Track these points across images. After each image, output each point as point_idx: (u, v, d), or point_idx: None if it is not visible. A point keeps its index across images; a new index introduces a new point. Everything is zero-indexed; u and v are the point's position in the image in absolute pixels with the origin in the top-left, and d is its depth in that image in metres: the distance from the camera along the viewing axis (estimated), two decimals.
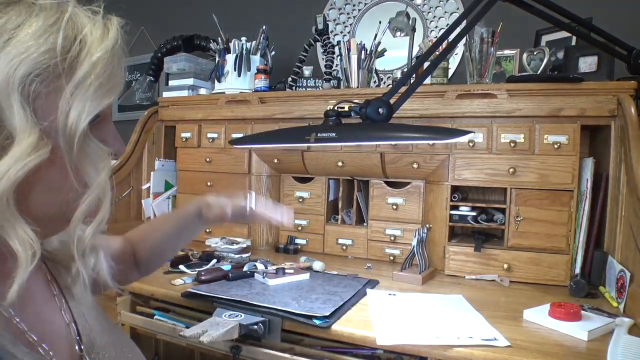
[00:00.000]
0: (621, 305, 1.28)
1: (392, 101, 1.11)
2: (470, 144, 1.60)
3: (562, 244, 1.52)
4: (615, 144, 1.47)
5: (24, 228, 0.50)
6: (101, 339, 0.67)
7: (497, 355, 1.00)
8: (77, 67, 0.51)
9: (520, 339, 1.07)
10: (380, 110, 1.08)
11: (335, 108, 1.18)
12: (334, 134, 1.11)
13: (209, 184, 2.06)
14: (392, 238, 1.82)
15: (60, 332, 0.62)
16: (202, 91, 2.20)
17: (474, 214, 1.64)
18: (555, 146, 1.51)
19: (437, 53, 1.32)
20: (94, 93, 0.52)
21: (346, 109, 1.15)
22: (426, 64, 1.36)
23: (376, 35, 1.90)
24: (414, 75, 1.48)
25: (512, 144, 1.55)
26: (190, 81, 2.19)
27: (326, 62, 2.01)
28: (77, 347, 0.62)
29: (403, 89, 1.16)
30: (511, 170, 1.55)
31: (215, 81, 2.12)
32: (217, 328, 1.10)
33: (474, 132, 1.08)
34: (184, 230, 1.06)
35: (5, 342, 0.51)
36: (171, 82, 2.25)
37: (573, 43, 1.69)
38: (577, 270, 1.52)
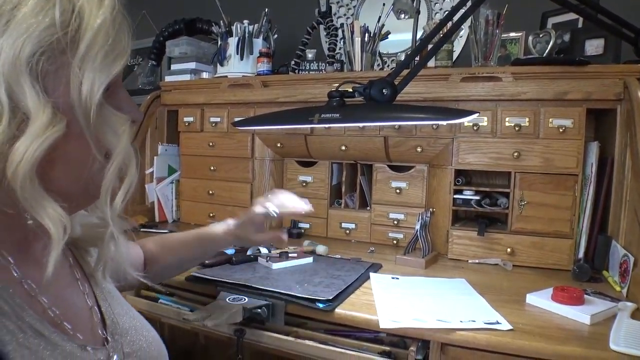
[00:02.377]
0: (624, 290, 1.28)
1: (396, 82, 1.10)
2: (475, 128, 1.59)
3: (566, 228, 1.52)
4: (620, 128, 1.45)
5: (53, 206, 0.51)
6: (123, 322, 0.68)
7: (499, 338, 1.00)
8: (80, 39, 0.50)
9: (523, 322, 1.07)
10: (384, 90, 1.06)
11: (339, 89, 1.16)
12: (337, 115, 1.09)
13: (212, 168, 2.06)
14: (396, 222, 1.82)
15: (84, 314, 0.63)
16: (205, 75, 2.18)
17: (477, 198, 1.64)
18: (560, 130, 1.49)
19: (442, 34, 1.30)
20: (101, 62, 0.52)
21: (349, 89, 1.13)
22: (430, 46, 1.33)
23: (380, 17, 1.87)
24: (418, 57, 1.47)
25: (517, 128, 1.54)
26: (192, 65, 2.17)
27: (329, 45, 1.99)
28: (100, 330, 0.63)
29: (406, 71, 1.15)
30: (515, 154, 1.54)
31: (218, 65, 2.11)
32: (221, 312, 1.11)
33: (478, 113, 1.06)
34: (206, 254, 1.16)
35: (32, 321, 0.52)
36: (173, 66, 2.24)
37: (579, 25, 1.67)
38: (581, 255, 1.52)
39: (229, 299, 1.19)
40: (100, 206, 0.57)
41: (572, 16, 1.68)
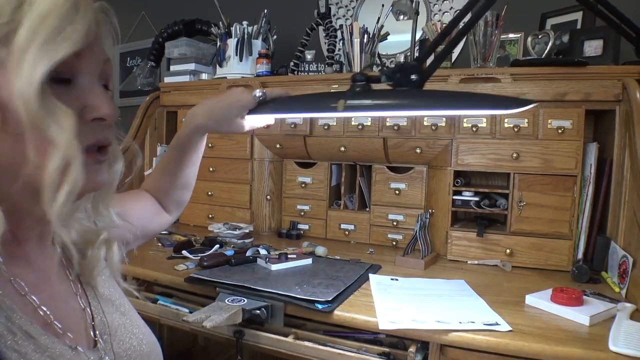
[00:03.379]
0: (623, 291, 1.28)
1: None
2: (474, 129, 1.59)
3: (565, 229, 1.52)
4: (619, 129, 1.46)
5: None
6: (112, 321, 0.67)
7: (498, 340, 1.00)
8: (16, 32, 0.49)
9: (522, 323, 1.07)
10: (413, 76, 0.90)
11: (363, 72, 0.98)
12: (368, 101, 0.90)
13: (211, 169, 2.06)
14: (395, 223, 1.82)
15: (76, 314, 0.63)
16: (204, 76, 2.19)
17: (476, 199, 1.64)
18: (559, 131, 1.49)
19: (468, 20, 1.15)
20: (41, 49, 0.49)
21: (375, 73, 0.97)
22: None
23: (379, 18, 1.88)
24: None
25: (516, 129, 1.54)
26: (191, 66, 2.17)
27: (328, 46, 1.99)
28: (91, 332, 0.63)
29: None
30: (514, 155, 1.54)
31: (217, 66, 2.11)
32: (220, 313, 1.11)
33: (536, 103, 0.92)
34: (190, 151, 1.02)
35: (22, 322, 0.52)
36: (172, 67, 2.24)
37: (578, 26, 1.67)
38: (580, 256, 1.52)
39: (228, 300, 1.19)
40: (38, 205, 0.53)
41: (571, 17, 1.68)
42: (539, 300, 1.20)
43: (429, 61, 0.92)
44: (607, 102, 1.47)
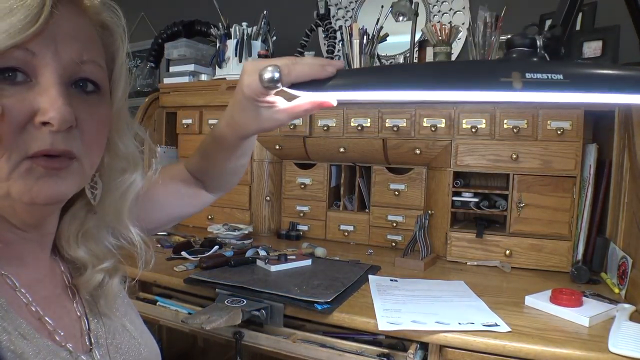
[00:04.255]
0: (623, 292, 1.28)
1: None
2: (473, 130, 1.59)
3: (564, 230, 1.52)
4: (619, 130, 1.45)
5: None
6: (109, 325, 0.66)
7: (498, 341, 1.00)
8: None
9: (521, 324, 1.07)
10: (562, 50, 0.66)
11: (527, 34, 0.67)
12: (559, 76, 0.56)
13: None
14: (394, 224, 1.82)
15: (71, 319, 0.62)
16: (203, 77, 2.19)
17: (476, 200, 1.64)
18: (559, 132, 1.50)
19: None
20: None
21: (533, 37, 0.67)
22: None
23: (378, 19, 1.88)
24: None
25: (515, 130, 1.54)
26: (191, 67, 2.17)
27: (328, 47, 1.99)
28: (87, 340, 0.62)
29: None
30: (514, 156, 1.54)
31: (216, 67, 2.11)
32: (220, 314, 1.11)
33: None
34: (234, 155, 0.86)
35: (17, 321, 0.52)
36: (172, 68, 2.24)
37: (577, 28, 1.67)
38: (579, 257, 1.52)
39: (227, 301, 1.19)
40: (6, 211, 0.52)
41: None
42: (539, 301, 1.20)
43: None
44: (606, 104, 1.47)
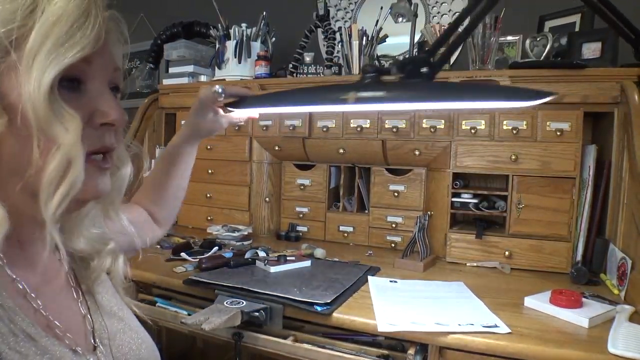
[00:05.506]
0: (622, 293, 1.28)
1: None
2: (473, 131, 1.59)
3: (564, 231, 1.52)
4: (618, 131, 1.46)
5: None
6: (111, 325, 0.68)
7: (497, 342, 1.00)
8: (28, 36, 0.50)
9: (521, 325, 1.07)
10: (423, 69, 0.85)
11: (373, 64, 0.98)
12: (380, 93, 0.82)
13: (209, 171, 2.06)
14: (394, 225, 1.82)
15: (76, 319, 0.64)
16: (203, 78, 2.18)
17: (475, 201, 1.64)
18: (558, 133, 1.50)
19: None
20: (49, 54, 0.50)
21: (384, 64, 0.99)
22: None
23: (378, 21, 1.88)
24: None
25: (514, 131, 1.54)
26: (190, 68, 2.17)
27: (327, 48, 1.99)
28: (91, 338, 0.64)
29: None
30: (513, 157, 1.54)
31: (216, 68, 2.11)
32: (219, 315, 1.11)
33: (557, 94, 0.86)
34: (179, 163, 1.07)
35: (24, 324, 0.53)
36: (171, 69, 2.24)
37: (577, 29, 1.67)
38: (579, 258, 1.52)
39: (226, 303, 1.19)
40: (39, 207, 0.53)
41: (569, 20, 1.69)
42: (538, 302, 1.20)
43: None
44: (605, 105, 1.47)
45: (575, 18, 1.68)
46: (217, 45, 2.09)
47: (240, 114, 1.12)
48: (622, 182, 1.41)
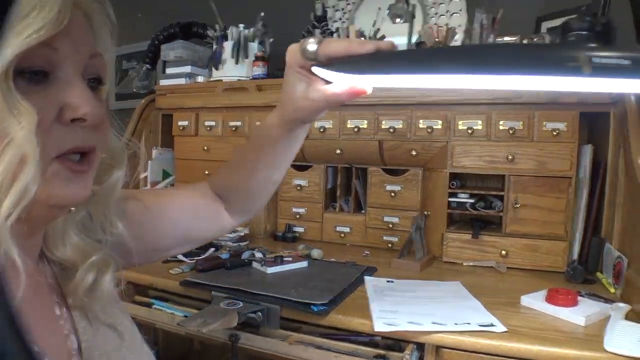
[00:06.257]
0: (618, 291, 1.29)
1: None
2: (469, 131, 1.60)
3: (560, 230, 1.52)
4: (614, 131, 1.46)
5: None
6: (105, 343, 0.61)
7: (494, 341, 1.01)
8: None
9: (517, 324, 1.07)
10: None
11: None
12: (627, 62, 0.47)
13: (207, 172, 2.06)
14: (390, 225, 1.82)
15: (58, 341, 0.57)
16: (200, 79, 2.18)
17: (472, 200, 1.64)
18: (554, 133, 1.50)
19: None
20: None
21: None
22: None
23: (375, 21, 1.88)
24: None
25: (511, 131, 1.55)
26: (187, 69, 2.17)
27: None
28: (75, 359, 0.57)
29: None
30: (510, 157, 1.55)
31: (213, 68, 2.11)
32: (216, 317, 1.11)
33: None
34: (267, 148, 0.80)
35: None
36: (168, 70, 2.23)
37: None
38: (575, 257, 1.52)
39: (223, 304, 1.18)
40: None
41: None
42: (534, 301, 1.20)
43: None
44: (601, 105, 1.47)
45: None
46: (215, 46, 2.09)
47: (341, 87, 0.66)
48: (618, 182, 1.41)
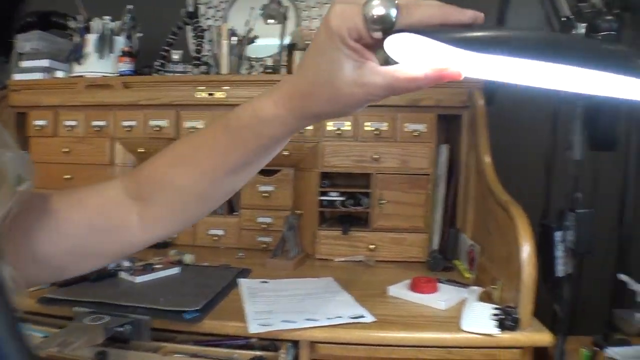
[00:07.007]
0: (472, 276, 1.42)
1: None
2: (338, 132, 1.66)
3: (421, 223, 1.64)
4: (466, 132, 1.62)
5: None
6: None
7: (364, 332, 1.06)
8: None
9: (385, 313, 1.14)
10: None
11: None
12: None
13: (67, 176, 1.89)
14: (264, 226, 1.82)
15: None
16: (59, 74, 1.99)
17: (342, 198, 1.70)
18: (415, 134, 1.61)
19: None
20: None
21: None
22: None
23: (248, 21, 1.87)
24: None
25: (377, 132, 1.63)
26: (45, 62, 1.96)
27: (196, 46, 1.94)
28: None
29: None
30: (375, 156, 1.63)
31: (74, 63, 1.94)
32: (78, 335, 1.02)
33: None
34: (262, 152, 0.58)
35: None
36: (24, 63, 2.01)
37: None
38: (435, 247, 1.65)
39: (87, 320, 1.09)
40: None
41: None
42: (400, 291, 1.28)
43: None
44: (455, 108, 1.62)
45: None
46: (77, 39, 1.92)
47: (421, 69, 0.48)
48: (470, 178, 1.57)
